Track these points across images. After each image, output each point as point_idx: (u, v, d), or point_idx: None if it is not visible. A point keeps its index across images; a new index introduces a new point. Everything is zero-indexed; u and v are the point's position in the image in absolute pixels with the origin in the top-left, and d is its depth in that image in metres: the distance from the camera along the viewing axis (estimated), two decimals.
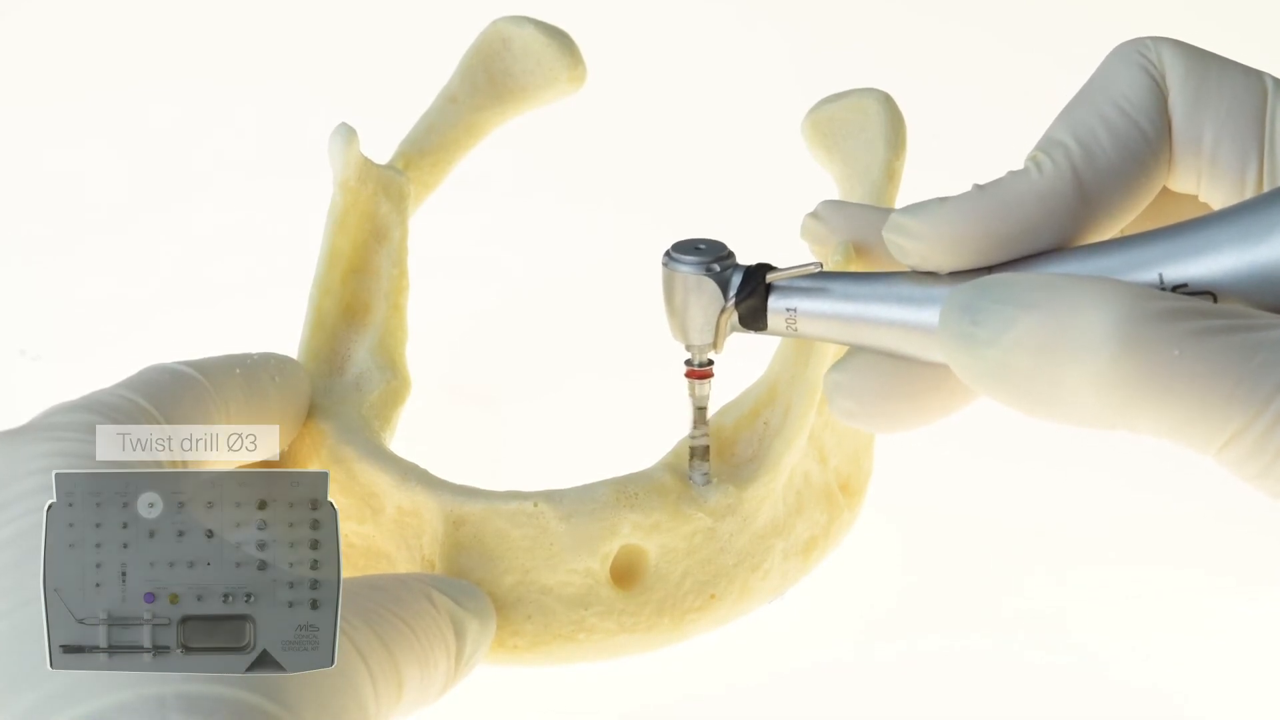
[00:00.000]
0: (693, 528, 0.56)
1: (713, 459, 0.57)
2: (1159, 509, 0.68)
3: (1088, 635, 0.63)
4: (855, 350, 0.50)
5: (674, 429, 0.58)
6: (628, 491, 0.56)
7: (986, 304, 0.43)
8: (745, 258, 0.54)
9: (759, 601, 0.59)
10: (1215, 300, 0.44)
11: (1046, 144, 0.47)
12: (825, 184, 0.69)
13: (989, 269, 0.47)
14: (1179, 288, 0.44)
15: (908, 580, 0.66)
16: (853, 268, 0.55)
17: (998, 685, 0.62)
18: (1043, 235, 0.47)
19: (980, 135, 0.95)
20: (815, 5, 1.08)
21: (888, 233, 0.48)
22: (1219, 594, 0.65)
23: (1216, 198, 0.48)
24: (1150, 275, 0.45)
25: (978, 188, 0.47)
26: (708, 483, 0.57)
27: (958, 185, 0.48)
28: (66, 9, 1.08)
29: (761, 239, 0.70)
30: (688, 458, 0.57)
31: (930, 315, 0.47)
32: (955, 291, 0.44)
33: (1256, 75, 0.48)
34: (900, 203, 0.64)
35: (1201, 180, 0.48)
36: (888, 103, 0.66)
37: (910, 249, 0.48)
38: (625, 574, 0.56)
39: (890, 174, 0.64)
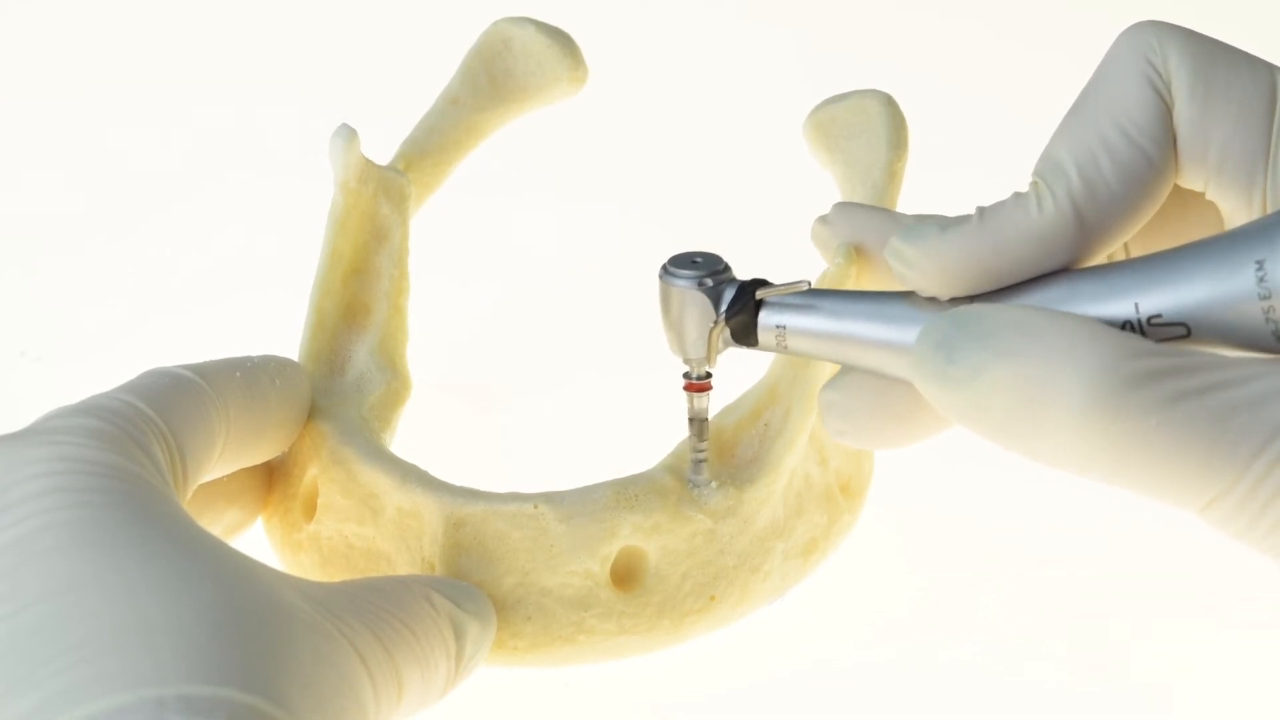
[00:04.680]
0: (693, 529, 0.56)
1: (713, 461, 0.57)
2: (1164, 512, 0.68)
3: (1088, 638, 0.63)
4: (848, 368, 0.49)
5: (674, 430, 0.58)
6: (628, 493, 0.56)
7: (962, 342, 0.43)
8: (745, 258, 0.54)
9: (759, 603, 0.58)
10: (1189, 331, 0.44)
11: (1048, 169, 0.47)
12: (826, 185, 0.69)
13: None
14: (1154, 318, 0.44)
15: (908, 582, 0.66)
16: (853, 269, 0.55)
17: (997, 688, 0.61)
18: (1039, 268, 0.46)
19: (982, 135, 0.95)
20: (817, 6, 1.08)
21: (888, 256, 0.48)
22: (1222, 596, 0.65)
23: (1224, 204, 0.47)
24: (1126, 304, 0.45)
25: (980, 213, 0.47)
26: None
27: (958, 186, 0.47)
28: (68, 9, 1.08)
29: (761, 241, 0.70)
30: (688, 466, 0.57)
31: (915, 337, 0.47)
32: (929, 324, 0.44)
33: (1266, 73, 0.46)
34: (902, 204, 0.64)
35: (1209, 186, 0.47)
36: (889, 104, 0.66)
37: (908, 276, 0.47)
38: (625, 576, 0.56)
39: (891, 175, 0.64)
